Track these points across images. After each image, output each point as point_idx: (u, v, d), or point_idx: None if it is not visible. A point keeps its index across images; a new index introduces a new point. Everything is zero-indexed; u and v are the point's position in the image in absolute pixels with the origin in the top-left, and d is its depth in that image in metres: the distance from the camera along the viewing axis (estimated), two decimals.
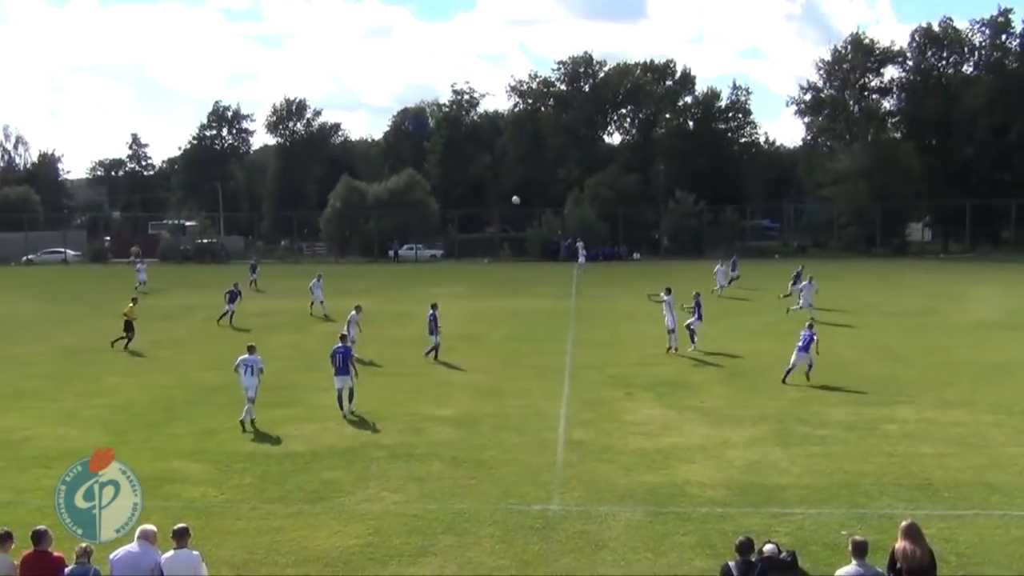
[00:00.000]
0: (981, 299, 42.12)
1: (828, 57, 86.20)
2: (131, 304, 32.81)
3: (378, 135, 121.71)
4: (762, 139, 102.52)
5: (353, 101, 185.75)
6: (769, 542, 12.64)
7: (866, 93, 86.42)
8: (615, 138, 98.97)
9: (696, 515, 14.48)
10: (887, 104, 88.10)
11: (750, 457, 17.55)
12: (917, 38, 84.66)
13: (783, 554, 12.38)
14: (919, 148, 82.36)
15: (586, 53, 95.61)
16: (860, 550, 9.74)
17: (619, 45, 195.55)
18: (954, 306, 40.03)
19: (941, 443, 18.30)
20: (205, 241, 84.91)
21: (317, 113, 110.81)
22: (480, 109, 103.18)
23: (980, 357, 27.89)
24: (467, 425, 20.32)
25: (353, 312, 29.50)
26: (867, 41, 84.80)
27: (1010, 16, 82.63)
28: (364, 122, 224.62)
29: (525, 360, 28.58)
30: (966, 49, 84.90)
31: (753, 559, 9.99)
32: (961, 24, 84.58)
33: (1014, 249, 75.77)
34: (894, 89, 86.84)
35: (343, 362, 21.44)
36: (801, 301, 37.14)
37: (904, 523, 9.98)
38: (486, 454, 17.96)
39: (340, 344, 22.01)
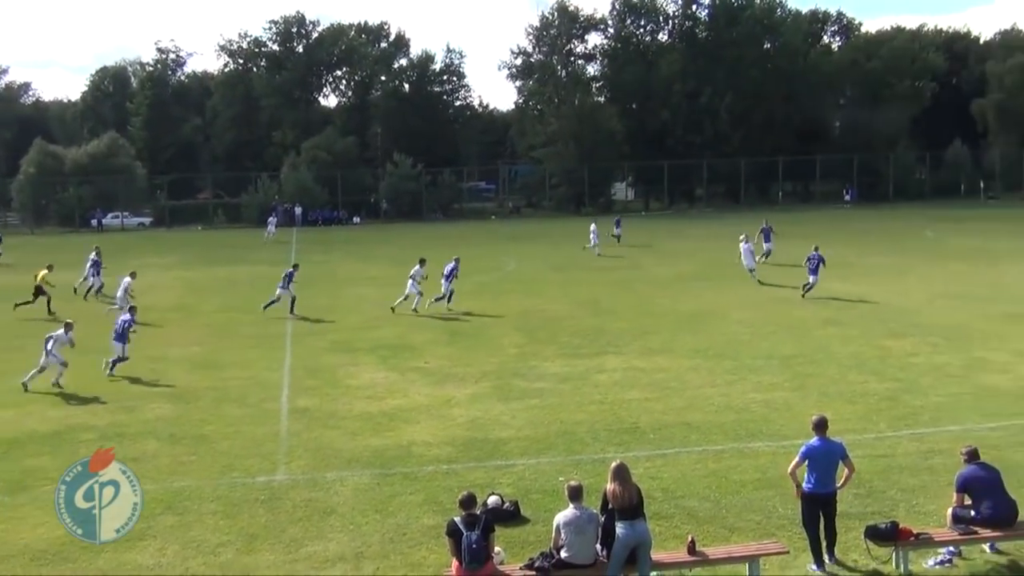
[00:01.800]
0: (680, 254, 45.34)
1: (537, 23, 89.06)
2: (45, 271, 31.44)
3: (75, 95, 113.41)
4: (477, 102, 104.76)
5: (45, 58, 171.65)
6: (493, 494, 13.11)
7: (572, 59, 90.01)
8: (331, 100, 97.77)
9: (422, 474, 14.73)
10: (592, 70, 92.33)
11: (473, 414, 18.04)
12: (617, 7, 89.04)
13: (506, 504, 12.88)
14: (621, 112, 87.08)
15: (298, 13, 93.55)
16: (576, 494, 10.30)
17: (332, 5, 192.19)
18: (655, 260, 42.80)
19: (646, 388, 19.60)
20: None
21: (3, 71, 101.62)
22: (188, 69, 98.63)
23: (679, 307, 30.05)
24: (185, 400, 19.54)
25: (127, 279, 30.31)
26: (572, 8, 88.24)
27: None
28: (59, 81, 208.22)
29: (244, 330, 27.82)
30: (661, 19, 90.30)
31: (478, 512, 10.30)
32: None
33: (707, 206, 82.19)
34: (598, 55, 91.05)
35: (123, 329, 22.11)
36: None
37: (613, 465, 10.58)
38: (206, 428, 17.37)
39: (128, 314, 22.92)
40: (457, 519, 10.05)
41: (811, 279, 30.64)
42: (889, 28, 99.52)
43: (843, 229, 56.11)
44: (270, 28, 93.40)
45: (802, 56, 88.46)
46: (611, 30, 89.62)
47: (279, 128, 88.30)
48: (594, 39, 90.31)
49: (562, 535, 10.22)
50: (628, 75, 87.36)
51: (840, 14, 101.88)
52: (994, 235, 50.07)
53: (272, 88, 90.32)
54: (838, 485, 11.28)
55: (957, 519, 11.20)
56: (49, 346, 20.69)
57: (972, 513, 11.13)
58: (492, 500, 12.83)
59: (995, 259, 39.68)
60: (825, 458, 11.18)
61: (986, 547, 11.34)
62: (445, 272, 30.47)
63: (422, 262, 30.29)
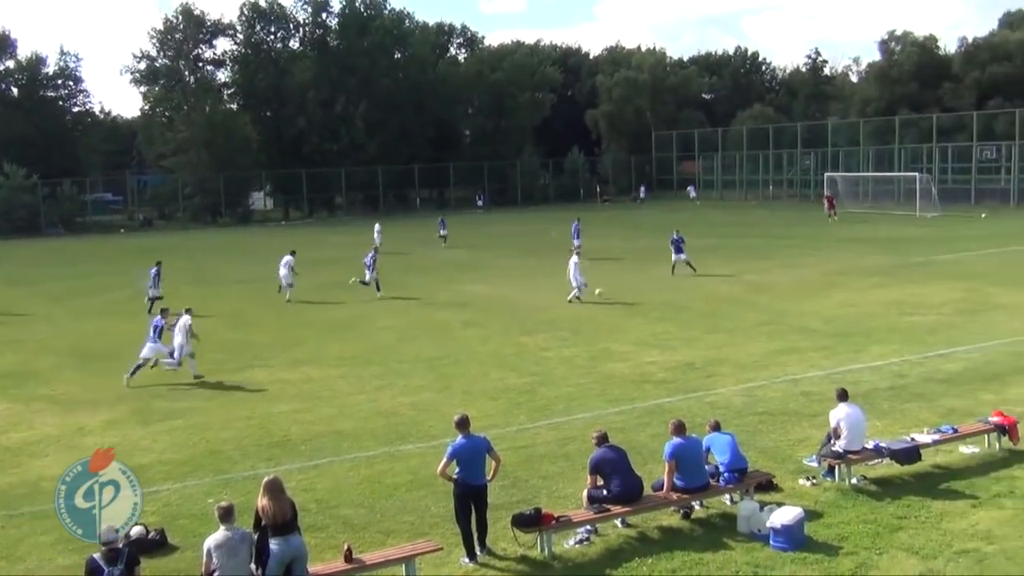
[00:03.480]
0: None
1: (160, 26, 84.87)
2: None
3: None
4: (98, 108, 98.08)
5: None
6: (136, 524, 12.38)
7: (201, 64, 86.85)
8: None
9: (54, 511, 13.56)
10: (222, 76, 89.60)
11: (110, 440, 16.84)
12: (246, 12, 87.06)
13: (151, 533, 12.25)
14: (256, 119, 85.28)
15: None
16: (226, 515, 9.96)
17: None
18: (303, 269, 42.31)
19: (295, 400, 19.41)
20: None
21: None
22: None
23: (325, 315, 29.99)
24: None
25: None
26: (198, 12, 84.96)
27: None
28: None
29: None
30: (292, 25, 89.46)
31: (120, 545, 9.69)
32: (287, 1, 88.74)
33: (347, 214, 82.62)
34: (228, 61, 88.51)
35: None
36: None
37: (265, 480, 10.39)
38: None
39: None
40: (96, 555, 9.42)
41: (677, 257, 35.26)
42: (510, 42, 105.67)
43: (477, 233, 58.84)
44: None
45: (431, 67, 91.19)
46: (240, 36, 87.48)
47: None
48: (223, 44, 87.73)
49: (213, 559, 9.87)
50: (261, 82, 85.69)
51: (464, 27, 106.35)
52: (608, 235, 54.52)
53: None
54: (488, 478, 11.80)
55: (592, 499, 12.12)
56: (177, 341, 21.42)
57: (604, 492, 12.09)
58: (135, 531, 12.11)
59: (614, 256, 43.23)
60: (471, 454, 11.66)
61: (618, 523, 12.35)
62: (366, 261, 33.59)
63: (293, 253, 33.34)
